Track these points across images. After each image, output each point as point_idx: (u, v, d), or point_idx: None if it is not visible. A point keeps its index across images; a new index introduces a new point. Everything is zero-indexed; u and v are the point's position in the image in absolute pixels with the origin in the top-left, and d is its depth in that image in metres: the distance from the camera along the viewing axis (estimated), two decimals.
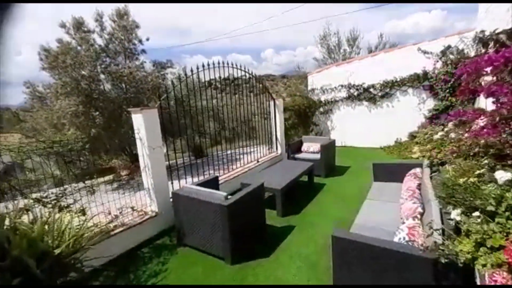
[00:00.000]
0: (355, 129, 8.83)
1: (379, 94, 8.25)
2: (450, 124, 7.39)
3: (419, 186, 3.17)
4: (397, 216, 2.90)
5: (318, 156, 5.95)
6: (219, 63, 5.00)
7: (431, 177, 3.14)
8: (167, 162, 4.48)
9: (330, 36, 14.83)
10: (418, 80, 7.56)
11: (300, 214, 4.24)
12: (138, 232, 3.64)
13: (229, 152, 5.65)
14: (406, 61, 7.61)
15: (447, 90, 7.03)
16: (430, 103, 7.47)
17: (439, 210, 2.23)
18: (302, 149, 6.63)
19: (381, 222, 2.86)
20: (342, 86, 8.88)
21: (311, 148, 6.44)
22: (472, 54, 6.64)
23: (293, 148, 6.55)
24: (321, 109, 9.52)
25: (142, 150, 3.73)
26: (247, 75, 5.78)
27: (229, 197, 3.05)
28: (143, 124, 3.58)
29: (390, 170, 4.05)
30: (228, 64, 5.21)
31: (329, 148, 6.13)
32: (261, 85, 6.24)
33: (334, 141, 6.46)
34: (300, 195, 4.94)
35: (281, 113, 6.95)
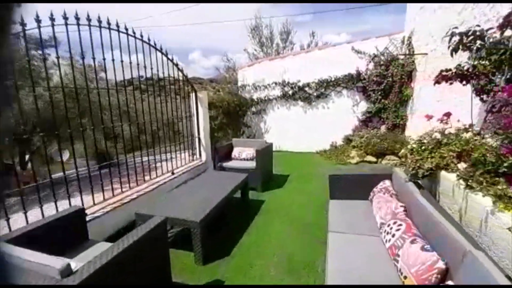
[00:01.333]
0: (290, 132, 7.97)
1: (315, 94, 7.60)
2: (383, 128, 7.36)
3: (405, 210, 2.16)
4: (389, 266, 1.77)
5: (253, 164, 4.65)
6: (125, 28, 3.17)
7: (422, 196, 2.15)
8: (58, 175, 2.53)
9: (262, 27, 13.96)
10: (352, 81, 7.18)
11: (231, 254, 2.79)
12: None
13: (139, 159, 3.84)
14: (341, 60, 7.15)
15: (379, 93, 6.83)
16: (364, 106, 7.20)
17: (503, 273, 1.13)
18: (233, 155, 5.24)
19: (370, 282, 1.67)
20: (276, 83, 7.92)
21: (243, 153, 5.12)
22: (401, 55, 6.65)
23: (221, 154, 5.08)
24: (253, 109, 8.37)
25: None
26: (169, 65, 4.08)
27: (74, 268, 1.36)
28: None
29: (350, 184, 3.03)
30: (135, 33, 3.41)
31: (266, 154, 4.92)
32: (177, 68, 4.57)
33: (271, 145, 5.29)
34: (231, 220, 3.51)
35: (206, 109, 5.41)
